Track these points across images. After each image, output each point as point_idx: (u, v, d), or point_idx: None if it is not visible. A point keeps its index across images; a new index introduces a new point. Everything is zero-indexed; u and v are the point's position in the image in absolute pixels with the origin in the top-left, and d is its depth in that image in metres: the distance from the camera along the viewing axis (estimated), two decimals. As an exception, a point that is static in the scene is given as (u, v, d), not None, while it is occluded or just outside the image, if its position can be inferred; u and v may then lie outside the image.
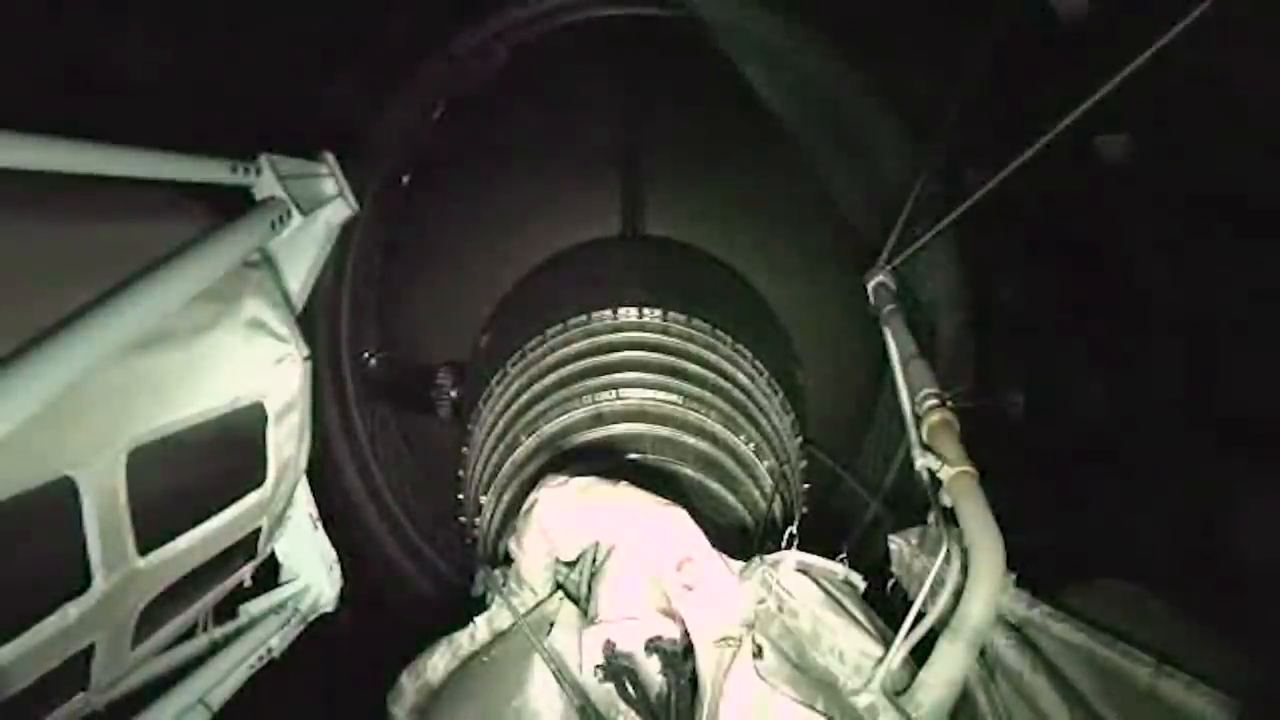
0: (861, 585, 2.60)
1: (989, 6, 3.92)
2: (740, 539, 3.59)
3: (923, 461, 2.75)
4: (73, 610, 2.07)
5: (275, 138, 3.00)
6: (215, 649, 3.13)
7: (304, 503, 3.47)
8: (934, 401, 2.93)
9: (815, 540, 2.77)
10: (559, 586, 2.63)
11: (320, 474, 3.53)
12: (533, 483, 2.82)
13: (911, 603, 2.28)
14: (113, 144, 2.22)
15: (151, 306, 2.11)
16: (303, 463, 3.24)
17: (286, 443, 3.01)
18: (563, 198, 5.64)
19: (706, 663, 2.14)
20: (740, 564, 2.45)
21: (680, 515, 2.38)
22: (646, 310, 4.14)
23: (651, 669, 2.23)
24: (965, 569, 2.27)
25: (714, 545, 2.38)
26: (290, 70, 4.10)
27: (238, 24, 3.77)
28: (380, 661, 2.57)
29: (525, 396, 4.01)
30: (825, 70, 5.16)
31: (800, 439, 4.50)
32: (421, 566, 5.83)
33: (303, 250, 3.15)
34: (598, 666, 2.22)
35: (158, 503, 2.32)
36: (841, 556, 2.63)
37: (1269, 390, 2.81)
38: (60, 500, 1.97)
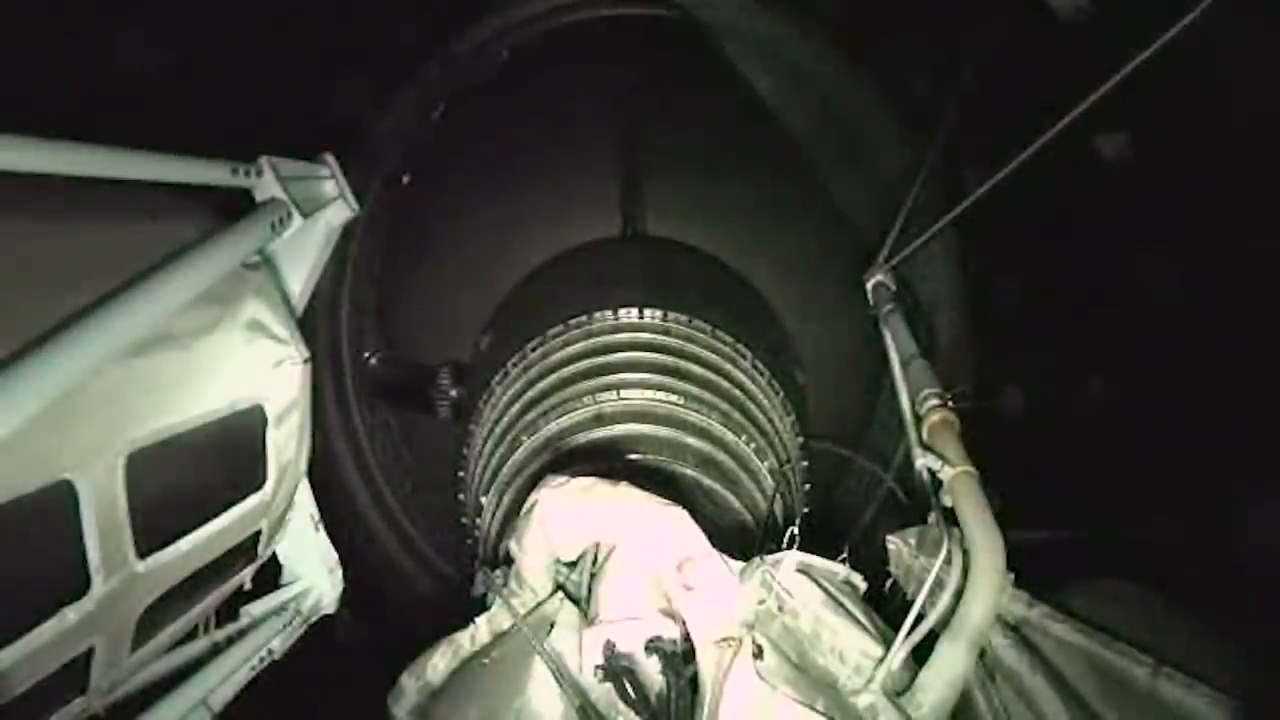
0: (862, 585, 2.60)
1: (989, 6, 3.92)
2: (741, 539, 3.58)
3: (923, 461, 2.75)
4: (71, 613, 2.07)
5: (276, 139, 3.01)
6: (217, 650, 3.14)
7: (305, 504, 3.47)
8: (934, 401, 2.93)
9: (816, 540, 2.77)
10: (559, 587, 2.63)
11: (321, 475, 3.53)
12: (533, 483, 2.82)
13: (911, 603, 2.28)
14: (113, 146, 2.22)
15: (151, 309, 2.11)
16: (303, 465, 3.24)
17: (287, 445, 3.01)
18: (563, 198, 5.63)
19: (707, 663, 2.14)
20: (740, 564, 2.45)
21: (680, 515, 2.39)
22: (647, 311, 4.13)
23: (651, 669, 2.23)
24: (965, 569, 2.27)
25: (714, 545, 2.39)
26: (291, 72, 4.09)
27: (238, 25, 3.77)
28: (381, 662, 2.57)
29: (526, 397, 4.01)
30: (825, 70, 5.15)
31: (801, 439, 4.50)
32: (422, 567, 5.83)
33: (303, 252, 3.16)
34: (598, 667, 2.22)
35: (157, 506, 2.31)
36: (842, 557, 2.63)
37: (1270, 390, 2.81)
38: (59, 503, 1.97)
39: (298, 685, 3.55)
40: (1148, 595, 2.31)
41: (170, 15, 3.48)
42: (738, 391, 4.06)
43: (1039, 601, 2.24)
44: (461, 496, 4.42)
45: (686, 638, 2.24)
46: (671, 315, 4.15)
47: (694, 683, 2.18)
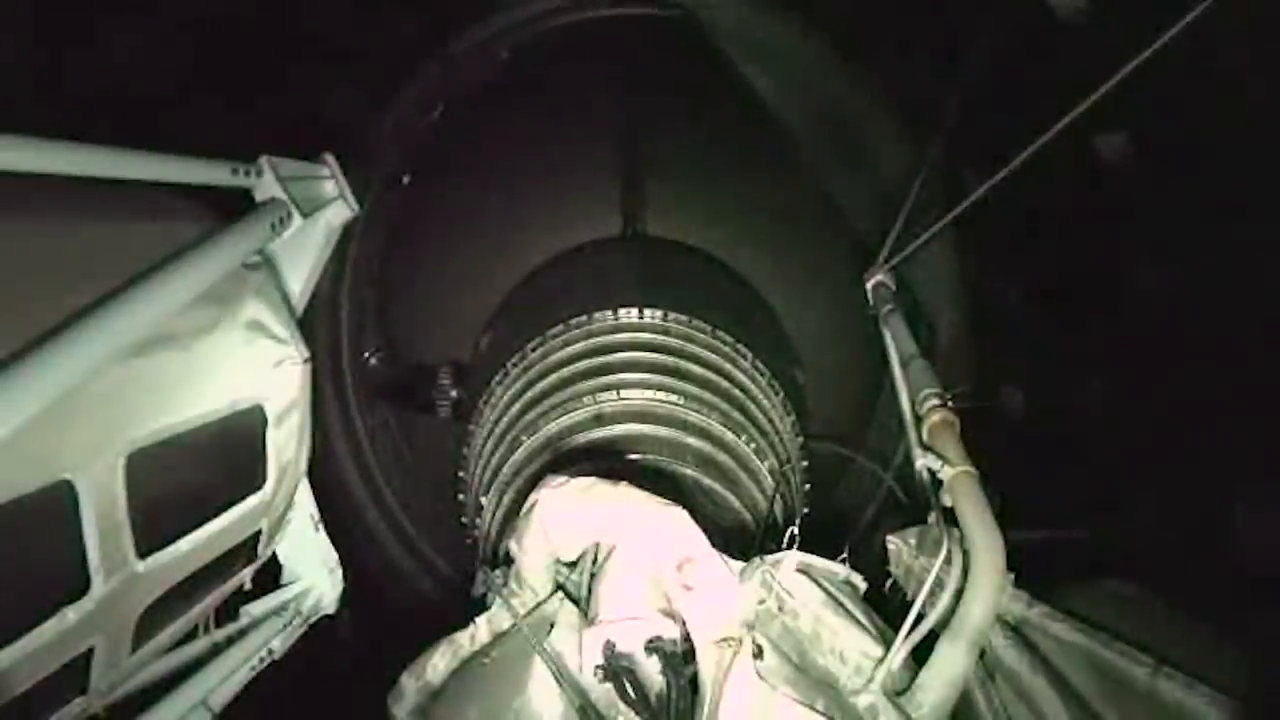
0: (862, 585, 2.60)
1: (988, 6, 3.92)
2: (740, 539, 3.58)
3: (923, 461, 2.75)
4: (71, 614, 2.07)
5: (276, 139, 3.01)
6: (217, 651, 3.14)
7: (305, 505, 3.48)
8: (934, 401, 2.93)
9: (816, 540, 2.77)
10: (559, 587, 2.63)
11: (320, 475, 3.53)
12: (533, 483, 2.82)
13: (911, 603, 2.28)
14: (113, 146, 2.22)
15: (151, 309, 2.11)
16: (303, 465, 3.25)
17: (287, 445, 3.01)
18: (563, 198, 5.62)
19: (707, 663, 2.14)
20: (740, 564, 2.45)
21: (680, 515, 2.38)
22: (647, 310, 4.13)
23: (651, 669, 2.23)
24: (965, 570, 2.27)
25: (714, 545, 2.38)
26: (291, 72, 4.09)
27: (238, 26, 3.77)
28: (381, 662, 2.57)
29: (526, 397, 4.01)
30: (825, 70, 5.15)
31: (801, 439, 4.50)
32: (422, 567, 5.83)
33: (303, 252, 3.16)
34: (598, 667, 2.22)
35: (157, 506, 2.32)
36: (842, 557, 2.63)
37: (1269, 389, 2.81)
38: (59, 503, 1.97)
39: (298, 685, 3.55)
40: (1148, 595, 2.31)
41: (170, 15, 3.48)
42: (738, 391, 4.06)
43: (1039, 601, 2.24)
44: (461, 496, 4.42)
45: (686, 638, 2.24)
46: (671, 315, 4.15)
47: (694, 683, 2.18)
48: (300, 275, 3.18)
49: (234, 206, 2.79)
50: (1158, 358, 3.46)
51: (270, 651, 3.31)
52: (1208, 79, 2.78)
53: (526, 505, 2.61)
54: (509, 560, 2.74)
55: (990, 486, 2.48)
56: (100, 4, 3.22)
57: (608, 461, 3.51)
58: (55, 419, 1.81)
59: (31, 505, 1.87)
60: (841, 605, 2.38)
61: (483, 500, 3.94)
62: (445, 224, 5.69)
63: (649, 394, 3.79)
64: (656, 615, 2.29)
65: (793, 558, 2.46)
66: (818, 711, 2.07)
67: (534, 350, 4.16)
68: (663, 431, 3.68)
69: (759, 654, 2.17)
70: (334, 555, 3.68)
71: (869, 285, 4.21)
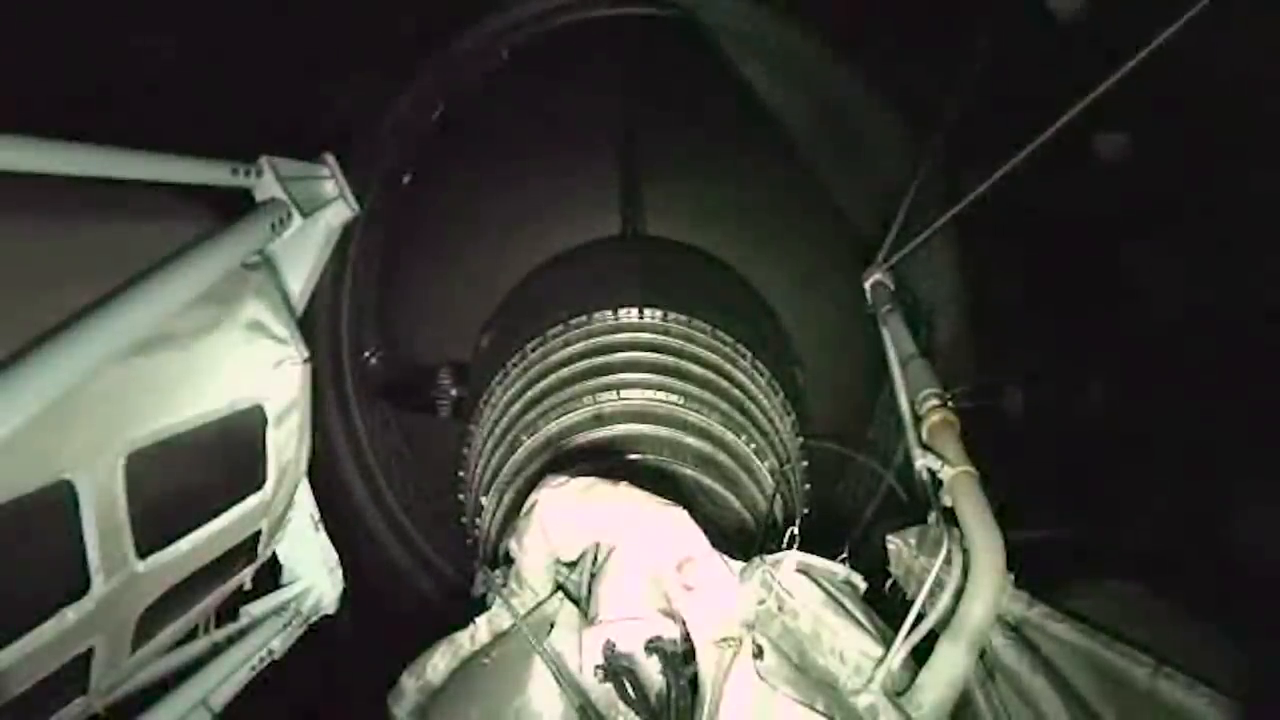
0: (862, 585, 2.60)
1: (988, 6, 3.92)
2: (740, 539, 3.58)
3: (923, 461, 2.75)
4: (71, 614, 2.07)
5: (276, 139, 3.00)
6: (217, 651, 3.14)
7: (305, 504, 3.47)
8: (934, 401, 2.93)
9: (816, 540, 2.77)
10: (559, 587, 2.63)
11: (320, 475, 3.53)
12: (533, 483, 2.82)
13: (911, 603, 2.28)
14: (113, 146, 2.22)
15: (151, 309, 2.11)
16: (303, 465, 3.24)
17: (287, 445, 3.01)
18: (563, 198, 5.64)
19: (707, 663, 2.14)
20: (741, 564, 2.45)
21: (680, 515, 2.38)
22: (647, 310, 4.13)
23: (651, 669, 2.23)
24: (965, 569, 2.27)
25: (714, 545, 2.38)
26: (291, 72, 4.09)
27: (238, 25, 3.77)
28: (381, 662, 2.57)
29: (526, 396, 4.01)
30: (824, 70, 5.16)
31: (801, 439, 4.50)
32: (422, 567, 5.83)
33: (303, 252, 3.16)
34: (598, 667, 2.22)
35: (157, 506, 2.32)
36: (842, 557, 2.63)
37: (1269, 389, 2.81)
38: (59, 503, 1.97)
39: (298, 685, 3.55)
40: (1148, 595, 2.31)
41: (170, 15, 3.48)
42: (738, 391, 4.06)
43: (1039, 601, 2.24)
44: (462, 496, 4.42)
45: (686, 638, 2.24)
46: (671, 315, 4.15)
47: (694, 683, 2.18)
48: (300, 275, 3.18)
49: (234, 206, 2.79)
50: (1158, 358, 3.46)
51: (270, 651, 3.31)
52: (1208, 79, 2.79)
53: (526, 505, 2.61)
54: (509, 560, 2.73)
55: (990, 486, 2.48)
56: (101, 4, 3.22)
57: (608, 461, 3.51)
58: (55, 419, 1.81)
59: (31, 505, 1.87)
60: (841, 605, 2.38)
61: (483, 500, 3.94)
62: (445, 224, 5.71)
63: (649, 394, 3.79)
64: (656, 615, 2.29)
65: (793, 558, 2.46)
66: (818, 711, 2.07)
67: (534, 350, 4.16)
68: (663, 431, 3.68)
69: (759, 654, 2.17)
70: (334, 555, 3.67)
71: (868, 284, 4.21)
